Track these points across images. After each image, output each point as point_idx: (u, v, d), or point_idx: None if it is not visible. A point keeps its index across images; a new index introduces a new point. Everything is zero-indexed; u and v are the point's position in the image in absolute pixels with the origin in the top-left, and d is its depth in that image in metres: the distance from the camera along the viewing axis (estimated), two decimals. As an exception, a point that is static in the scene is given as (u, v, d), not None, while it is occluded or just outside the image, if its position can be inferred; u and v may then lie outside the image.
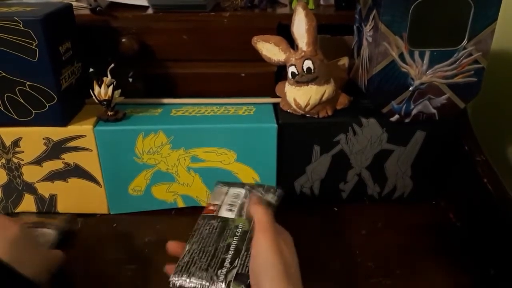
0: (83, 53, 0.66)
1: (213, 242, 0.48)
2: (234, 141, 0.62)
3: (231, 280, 0.43)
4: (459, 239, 0.62)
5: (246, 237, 0.48)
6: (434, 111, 0.60)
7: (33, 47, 0.55)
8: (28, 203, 0.65)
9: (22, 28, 0.54)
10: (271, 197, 0.54)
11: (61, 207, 0.66)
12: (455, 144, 0.65)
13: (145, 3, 0.68)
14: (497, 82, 0.74)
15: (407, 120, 0.61)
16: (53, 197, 0.65)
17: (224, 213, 0.52)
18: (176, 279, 0.44)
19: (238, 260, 0.46)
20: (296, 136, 0.63)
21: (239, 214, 0.52)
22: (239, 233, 0.49)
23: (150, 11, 0.68)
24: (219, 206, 0.53)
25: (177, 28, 0.67)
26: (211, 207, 0.53)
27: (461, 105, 0.60)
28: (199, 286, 0.44)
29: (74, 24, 0.64)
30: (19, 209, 0.66)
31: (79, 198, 0.65)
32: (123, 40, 0.65)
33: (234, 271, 0.44)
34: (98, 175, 0.63)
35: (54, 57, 0.58)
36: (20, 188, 0.65)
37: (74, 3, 0.68)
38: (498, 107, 0.78)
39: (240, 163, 0.64)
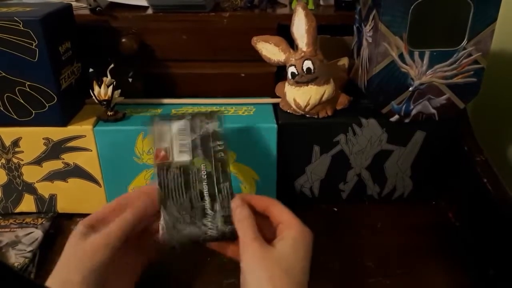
0: (83, 53, 0.66)
1: (184, 192, 0.47)
2: (234, 141, 0.62)
3: (217, 225, 0.45)
4: (459, 239, 0.62)
5: (214, 180, 0.48)
6: (434, 111, 0.60)
7: (33, 47, 0.55)
8: (28, 203, 0.65)
9: (22, 28, 0.54)
10: (217, 126, 0.51)
11: (61, 207, 0.66)
12: (455, 144, 0.65)
13: (145, 3, 0.68)
14: (497, 82, 0.74)
15: (407, 120, 0.61)
16: (53, 197, 0.65)
17: (179, 156, 0.49)
18: (168, 238, 0.45)
19: (216, 205, 0.46)
20: (296, 136, 0.63)
21: (194, 154, 0.49)
22: (205, 177, 0.48)
23: (150, 11, 0.68)
24: (170, 150, 0.49)
25: (177, 28, 0.67)
26: (163, 152, 0.49)
27: (461, 105, 0.60)
28: (192, 238, 0.45)
29: (74, 24, 0.64)
30: (19, 209, 0.66)
31: (79, 198, 0.65)
32: (123, 40, 0.65)
33: (218, 216, 0.46)
34: (98, 175, 0.63)
35: (54, 57, 0.58)
36: (20, 188, 0.65)
37: (74, 3, 0.68)
38: (498, 107, 0.78)
39: (240, 163, 0.64)
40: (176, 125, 0.51)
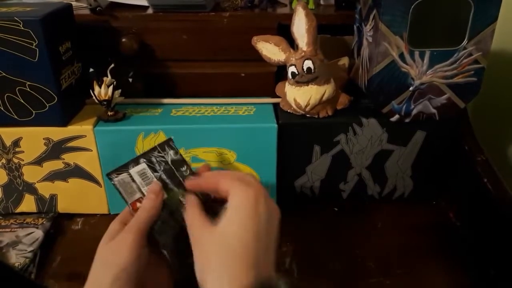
0: (83, 53, 0.66)
1: (180, 227, 0.46)
2: (234, 141, 0.62)
3: None
4: (459, 239, 0.62)
5: None
6: (434, 111, 0.60)
7: (33, 47, 0.55)
8: (28, 203, 0.65)
9: (22, 28, 0.54)
10: (173, 154, 0.51)
11: (61, 207, 0.66)
12: (455, 144, 0.65)
13: (145, 3, 0.68)
14: (497, 82, 0.74)
15: (407, 120, 0.61)
16: (53, 197, 0.65)
17: None
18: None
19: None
20: (296, 136, 0.63)
21: (167, 191, 0.49)
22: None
23: (150, 11, 0.68)
24: (143, 198, 0.49)
25: (177, 28, 0.67)
26: (138, 204, 0.48)
27: (461, 105, 0.60)
28: None
29: (74, 24, 0.64)
30: (20, 209, 0.66)
31: (79, 198, 0.65)
32: (123, 40, 0.65)
33: None
34: (98, 175, 0.63)
35: (54, 57, 0.58)
36: (20, 188, 0.65)
37: (74, 3, 0.68)
38: (498, 107, 0.78)
39: (240, 163, 0.64)
40: (135, 172, 0.50)
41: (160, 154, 0.51)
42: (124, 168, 0.50)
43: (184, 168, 0.51)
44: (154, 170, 0.50)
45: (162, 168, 0.50)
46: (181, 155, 0.52)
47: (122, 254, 0.41)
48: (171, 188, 0.49)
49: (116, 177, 0.49)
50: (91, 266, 0.43)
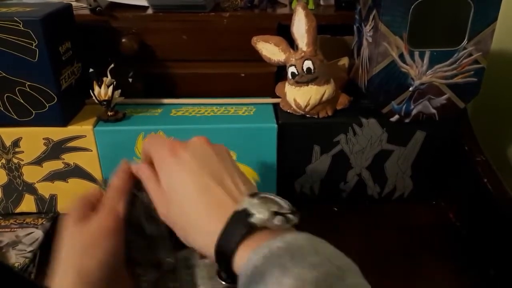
0: (83, 53, 0.66)
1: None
2: (234, 141, 0.62)
3: None
4: (459, 239, 0.62)
5: None
6: (434, 111, 0.60)
7: (33, 47, 0.55)
8: (28, 204, 0.65)
9: (22, 28, 0.54)
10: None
11: (61, 207, 0.66)
12: (455, 144, 0.65)
13: (145, 3, 0.68)
14: (497, 82, 0.74)
15: (407, 120, 0.61)
16: (53, 198, 0.65)
17: None
18: None
19: None
20: (296, 136, 0.63)
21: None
22: None
23: (150, 11, 0.68)
24: None
25: (177, 28, 0.67)
26: None
27: (461, 105, 0.60)
28: None
29: (74, 24, 0.64)
30: (19, 209, 0.66)
31: (79, 198, 0.65)
32: (123, 40, 0.65)
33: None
34: (98, 175, 0.63)
35: (54, 57, 0.58)
36: (20, 189, 0.65)
37: (74, 3, 0.68)
38: (498, 107, 0.78)
39: (240, 163, 0.63)
40: None
41: None
42: None
43: None
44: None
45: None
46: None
47: (108, 240, 0.37)
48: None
49: None
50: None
